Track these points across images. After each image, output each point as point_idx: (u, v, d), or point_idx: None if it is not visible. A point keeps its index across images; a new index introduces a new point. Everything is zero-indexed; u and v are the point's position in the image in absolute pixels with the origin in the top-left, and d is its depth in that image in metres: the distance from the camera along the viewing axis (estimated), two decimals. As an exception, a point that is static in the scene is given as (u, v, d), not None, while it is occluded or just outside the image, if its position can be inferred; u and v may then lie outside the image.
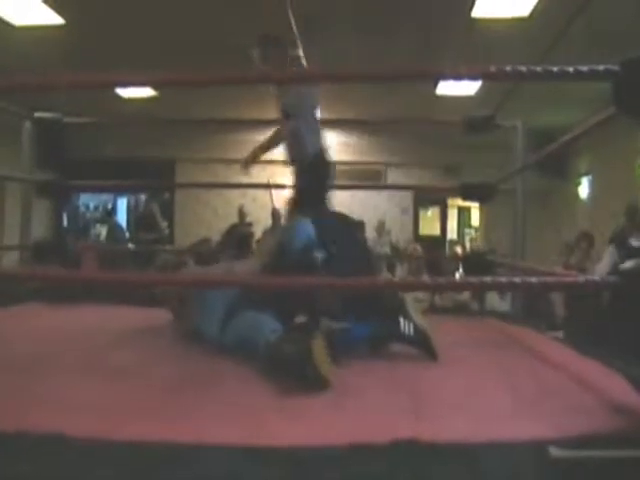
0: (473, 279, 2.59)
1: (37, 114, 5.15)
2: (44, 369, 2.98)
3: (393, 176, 15.03)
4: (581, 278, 2.80)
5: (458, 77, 2.61)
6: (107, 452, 1.83)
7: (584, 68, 2.18)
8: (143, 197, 15.87)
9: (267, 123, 13.66)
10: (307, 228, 3.84)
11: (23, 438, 1.91)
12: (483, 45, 8.03)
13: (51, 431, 1.93)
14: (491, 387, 2.72)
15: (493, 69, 2.27)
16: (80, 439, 1.90)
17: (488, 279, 2.44)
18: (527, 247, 5.16)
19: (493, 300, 7.98)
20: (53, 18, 7.82)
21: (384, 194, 15.13)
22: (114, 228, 13.88)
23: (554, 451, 1.79)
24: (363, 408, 2.36)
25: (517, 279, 2.45)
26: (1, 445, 1.87)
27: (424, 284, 3.82)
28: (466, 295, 7.92)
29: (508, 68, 2.23)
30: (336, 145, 14.95)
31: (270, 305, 3.19)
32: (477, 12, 7.53)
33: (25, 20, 7.84)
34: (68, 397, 2.45)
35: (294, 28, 7.95)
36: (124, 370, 2.98)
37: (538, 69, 2.22)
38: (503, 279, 2.46)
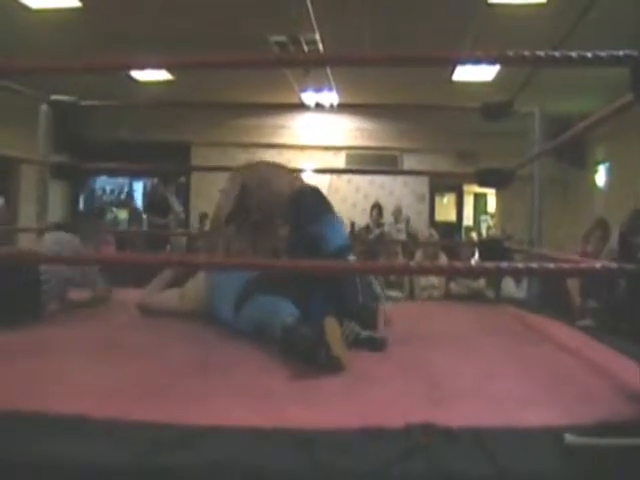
0: (490, 264, 2.58)
1: (53, 97, 5.16)
2: (61, 351, 3.01)
3: (409, 162, 14.99)
4: (597, 264, 2.77)
5: (475, 61, 2.60)
6: (125, 433, 1.85)
7: (602, 53, 2.16)
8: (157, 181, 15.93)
9: (282, 107, 13.82)
10: (342, 230, 3.86)
11: (42, 419, 1.92)
12: (499, 31, 7.98)
13: (70, 412, 1.95)
14: (506, 374, 2.71)
15: (511, 53, 2.25)
16: (98, 420, 1.91)
17: (504, 264, 2.42)
18: (544, 235, 5.13)
19: (509, 287, 7.95)
20: (70, 1, 7.82)
21: (400, 180, 15.10)
22: (134, 212, 13.91)
23: (569, 438, 1.78)
24: (377, 393, 2.36)
25: (534, 264, 2.44)
26: (21, 426, 1.88)
27: (440, 268, 3.82)
28: (481, 282, 7.89)
29: (526, 53, 2.21)
30: (352, 130, 14.94)
31: (285, 290, 3.19)
32: (495, -4, 7.50)
33: (42, 3, 7.84)
34: (86, 379, 2.47)
35: (311, 12, 7.92)
36: (140, 352, 3.00)
37: (556, 54, 2.20)
38: (520, 264, 2.44)
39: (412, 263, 3.33)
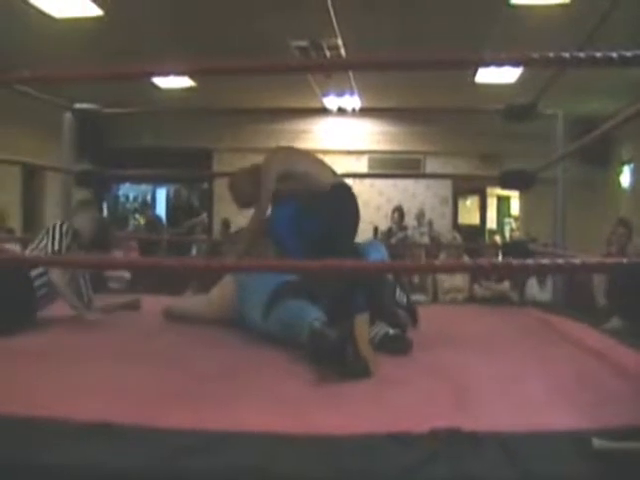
0: (515, 261, 2.56)
1: (77, 105, 5.19)
2: (86, 357, 3.02)
3: (432, 165, 14.94)
4: (624, 260, 2.75)
5: (500, 63, 2.58)
6: (150, 439, 1.85)
7: (628, 54, 2.14)
8: (180, 188, 16.04)
9: (304, 112, 13.81)
10: (381, 250, 3.89)
11: (67, 425, 1.93)
12: (522, 32, 7.94)
13: (95, 418, 1.95)
14: (531, 377, 2.70)
15: (535, 55, 2.24)
16: (124, 426, 1.92)
17: (530, 261, 2.40)
18: (568, 237, 5.10)
19: (533, 289, 7.92)
20: (92, 10, 7.86)
21: (423, 183, 15.05)
22: (152, 219, 13.96)
23: (597, 442, 1.76)
24: (402, 397, 2.36)
25: (560, 260, 2.42)
26: (47, 432, 1.89)
27: (465, 266, 3.79)
28: (506, 285, 7.87)
29: (551, 54, 2.19)
30: (374, 134, 14.92)
31: (315, 295, 3.22)
32: (517, -2, 7.45)
33: (65, 12, 7.88)
34: (111, 385, 2.48)
35: (332, 17, 7.91)
36: (166, 357, 3.02)
37: (582, 55, 2.19)
38: (546, 261, 2.42)
39: (437, 262, 3.31)
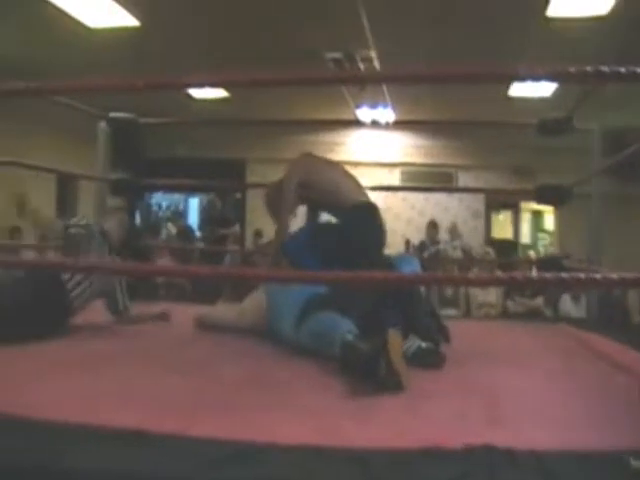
0: (550, 275, 2.53)
1: (112, 114, 5.23)
2: (118, 364, 3.03)
3: (464, 179, 14.88)
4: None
5: (535, 78, 2.56)
6: (182, 448, 1.85)
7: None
8: (213, 197, 16.09)
9: (336, 123, 13.82)
10: (414, 263, 3.88)
11: (101, 433, 1.93)
12: (558, 45, 7.89)
13: (128, 426, 1.96)
14: (566, 394, 2.67)
15: (572, 69, 2.21)
16: (157, 435, 1.92)
17: (566, 275, 2.37)
18: (604, 253, 5.04)
19: (566, 306, 7.85)
20: (128, 20, 7.93)
21: (455, 196, 14.99)
22: (183, 229, 14.01)
23: (635, 463, 1.73)
24: (436, 413, 2.34)
25: (597, 275, 2.39)
26: (80, 439, 1.89)
27: (499, 279, 3.76)
28: (539, 301, 7.81)
29: (589, 68, 2.16)
30: (407, 147, 14.89)
31: (348, 308, 3.21)
32: (552, 11, 7.40)
33: (100, 22, 7.96)
34: (144, 392, 2.49)
35: (366, 29, 7.92)
36: (198, 367, 3.03)
37: (621, 70, 2.15)
38: (581, 275, 2.39)
39: (471, 274, 3.29)
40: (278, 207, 4.20)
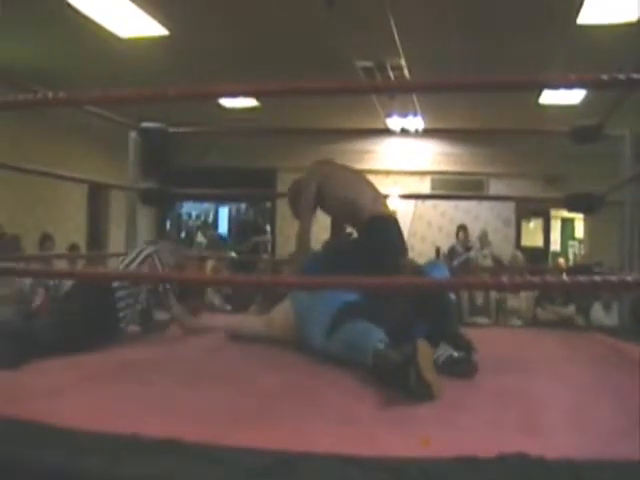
0: (582, 278, 2.52)
1: (143, 124, 5.27)
2: (150, 374, 3.05)
3: (495, 186, 14.83)
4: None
5: (567, 86, 2.55)
6: (217, 458, 1.86)
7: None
8: (243, 206, 16.16)
9: (367, 132, 13.83)
10: (444, 271, 3.87)
11: (134, 442, 1.95)
12: (590, 52, 7.84)
13: (162, 435, 1.97)
14: (599, 403, 2.65)
15: (604, 77, 2.21)
16: (190, 444, 1.93)
17: (598, 278, 2.36)
18: (636, 262, 5.00)
19: (598, 314, 7.79)
20: (158, 30, 8.00)
21: (485, 204, 14.94)
22: (214, 239, 14.09)
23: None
24: (469, 421, 2.34)
25: (629, 277, 2.38)
26: (113, 448, 1.91)
27: (533, 284, 3.72)
28: (571, 309, 7.76)
29: (621, 76, 2.16)
30: (437, 155, 14.87)
31: (379, 317, 3.21)
32: (583, 19, 7.37)
33: (131, 32, 8.04)
34: (177, 402, 2.50)
35: (396, 38, 7.93)
36: (230, 376, 3.04)
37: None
38: (614, 278, 2.38)
39: (503, 278, 3.27)
40: (295, 207, 4.25)
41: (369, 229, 3.93)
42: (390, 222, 4.08)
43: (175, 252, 4.49)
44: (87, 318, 3.59)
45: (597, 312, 7.85)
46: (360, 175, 4.41)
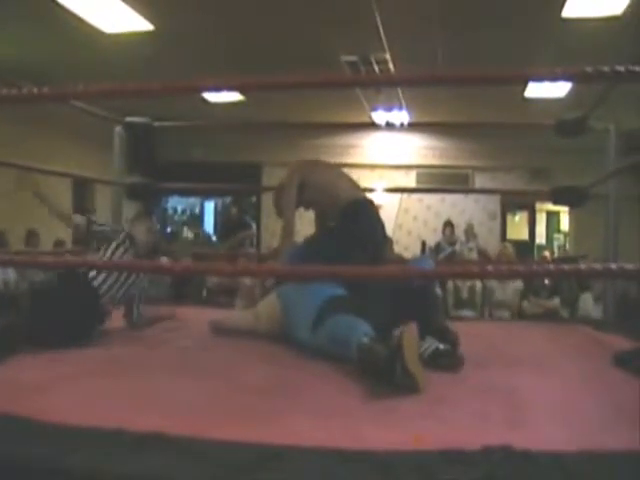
0: (567, 266, 2.53)
1: (128, 119, 5.26)
2: (137, 369, 3.05)
3: (480, 180, 14.86)
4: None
5: (552, 79, 2.55)
6: (201, 451, 1.86)
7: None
8: (229, 201, 16.13)
9: (352, 126, 13.82)
10: (430, 265, 3.89)
11: (118, 435, 1.95)
12: (574, 45, 7.86)
13: (147, 429, 1.97)
14: (584, 396, 2.66)
15: (589, 70, 2.21)
16: (175, 438, 1.93)
17: (583, 266, 2.37)
18: (620, 254, 5.02)
19: (587, 305, 7.81)
20: (143, 25, 7.96)
21: (471, 198, 14.97)
22: (200, 233, 14.05)
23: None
24: (454, 414, 2.35)
25: (613, 265, 2.38)
26: (98, 442, 1.91)
27: (518, 272, 3.73)
28: (556, 301, 7.78)
29: (606, 68, 2.17)
30: (423, 149, 14.88)
31: (363, 309, 3.21)
32: (568, 12, 7.38)
33: (115, 27, 8.00)
34: (162, 396, 2.50)
35: (381, 32, 7.93)
36: (215, 371, 3.03)
37: (638, 69, 2.15)
38: (598, 266, 2.38)
39: (489, 267, 3.27)
40: (279, 205, 4.31)
41: (345, 213, 3.97)
42: (366, 205, 4.13)
43: (152, 229, 4.46)
44: (67, 308, 3.56)
45: (586, 304, 7.85)
46: (339, 170, 4.52)
